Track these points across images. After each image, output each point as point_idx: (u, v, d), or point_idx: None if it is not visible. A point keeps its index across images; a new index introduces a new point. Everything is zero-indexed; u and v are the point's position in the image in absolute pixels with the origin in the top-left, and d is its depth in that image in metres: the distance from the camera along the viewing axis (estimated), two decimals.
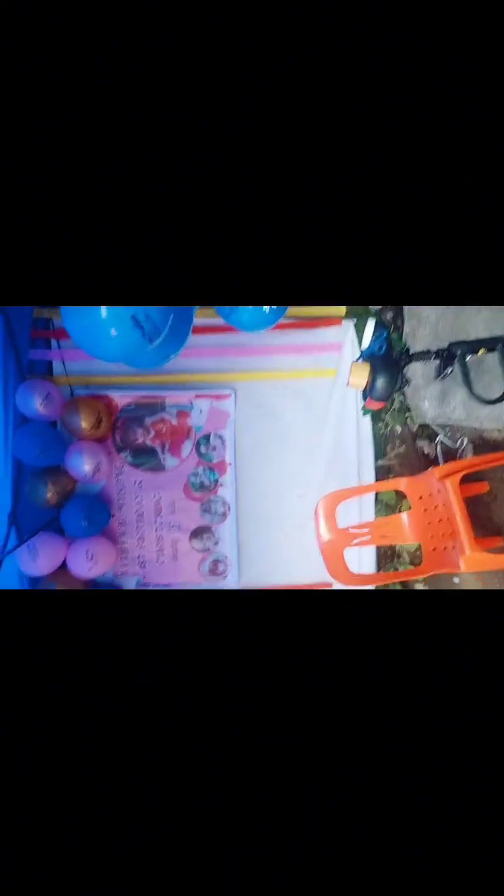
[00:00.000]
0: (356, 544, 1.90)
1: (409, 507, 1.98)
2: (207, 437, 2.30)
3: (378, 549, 2.36)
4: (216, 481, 2.32)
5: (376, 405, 1.73)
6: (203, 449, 2.30)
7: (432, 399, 2.04)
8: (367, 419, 2.33)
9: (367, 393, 1.68)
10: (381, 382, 1.61)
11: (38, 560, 2.00)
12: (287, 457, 2.34)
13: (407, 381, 1.81)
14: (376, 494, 2.31)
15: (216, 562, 2.35)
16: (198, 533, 2.33)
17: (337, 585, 2.38)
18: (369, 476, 2.33)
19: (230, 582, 2.36)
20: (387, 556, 2.38)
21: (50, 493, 2.04)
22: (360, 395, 2.30)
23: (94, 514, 2.10)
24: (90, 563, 2.07)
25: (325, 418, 2.34)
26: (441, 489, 1.64)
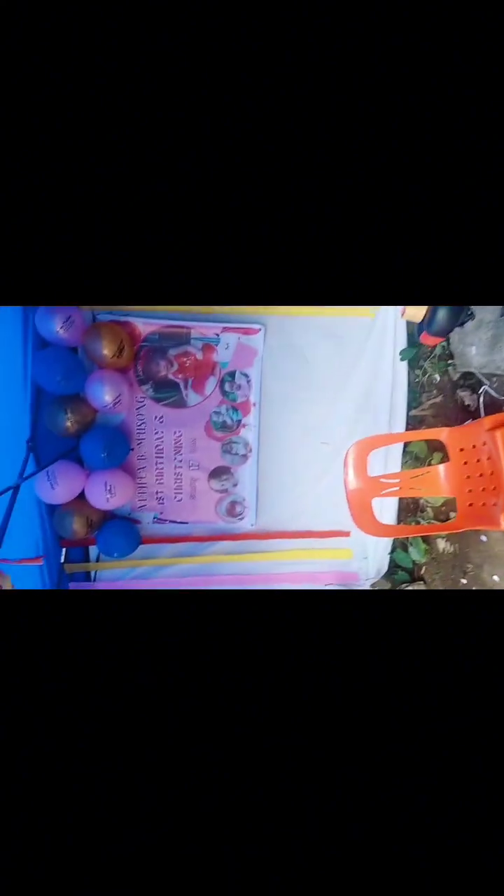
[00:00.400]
0: (384, 494, 1.83)
1: (441, 461, 1.88)
2: (232, 375, 2.19)
3: (400, 501, 2.30)
4: (239, 421, 2.24)
5: (433, 341, 1.58)
6: (227, 387, 2.20)
7: (481, 345, 1.88)
8: (404, 365, 2.19)
9: (423, 327, 1.53)
10: (442, 314, 1.44)
11: (57, 489, 1.98)
12: (314, 401, 2.24)
13: (471, 315, 1.64)
14: (405, 445, 2.21)
15: (234, 503, 2.32)
16: (217, 473, 2.28)
17: (355, 534, 2.37)
18: (400, 426, 2.22)
19: (246, 524, 2.34)
20: (408, 510, 2.33)
21: (69, 422, 1.99)
22: (397, 341, 2.17)
23: (114, 446, 2.05)
24: (108, 494, 2.05)
25: (358, 362, 2.21)
26: (489, 441, 1.54)
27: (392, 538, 2.33)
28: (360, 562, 2.39)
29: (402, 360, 2.16)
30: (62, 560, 2.26)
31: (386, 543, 2.38)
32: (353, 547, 2.39)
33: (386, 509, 2.24)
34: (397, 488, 1.87)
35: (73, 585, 2.32)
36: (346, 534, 2.37)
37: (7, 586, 1.19)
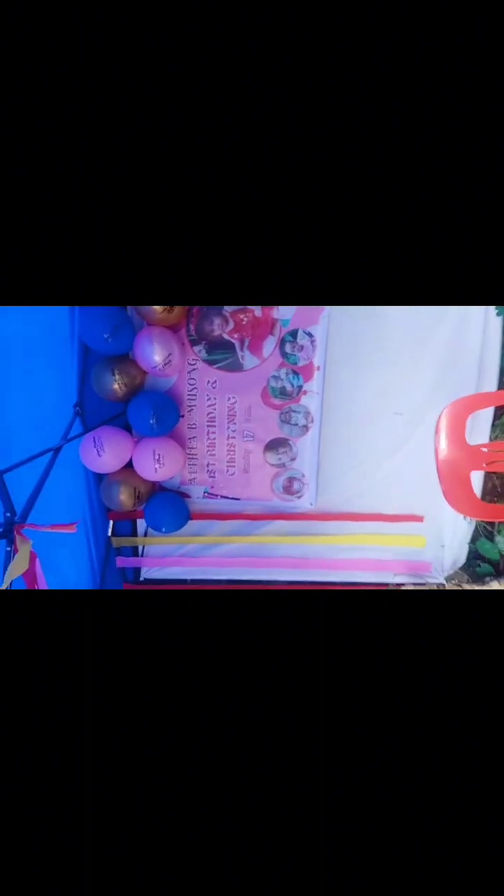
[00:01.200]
0: (488, 467, 1.53)
1: None
2: (294, 334, 1.95)
3: (486, 482, 1.99)
4: (300, 388, 2.00)
5: None
6: (288, 348, 1.96)
7: None
8: (499, 322, 1.86)
9: None
10: None
11: (104, 456, 1.85)
12: (388, 364, 1.96)
13: None
14: (496, 416, 1.88)
15: (291, 479, 2.10)
16: (273, 445, 2.07)
17: (430, 519, 2.08)
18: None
19: (304, 503, 2.12)
20: (494, 492, 2.00)
21: (117, 385, 1.84)
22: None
23: (164, 412, 1.89)
24: (157, 464, 1.90)
25: (441, 320, 1.90)
26: None
27: (474, 524, 2.02)
28: (435, 551, 2.10)
29: (497, 315, 1.83)
30: (109, 533, 2.15)
31: (466, 531, 2.08)
32: (428, 533, 2.11)
33: None
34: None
35: (119, 560, 2.22)
36: (420, 519, 2.09)
37: (25, 554, 1.07)
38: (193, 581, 2.27)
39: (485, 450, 1.50)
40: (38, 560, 1.11)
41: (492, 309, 1.84)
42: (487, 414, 1.89)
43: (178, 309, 1.82)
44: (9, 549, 1.07)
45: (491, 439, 1.88)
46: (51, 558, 2.03)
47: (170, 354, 1.82)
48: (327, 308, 1.91)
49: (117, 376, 1.83)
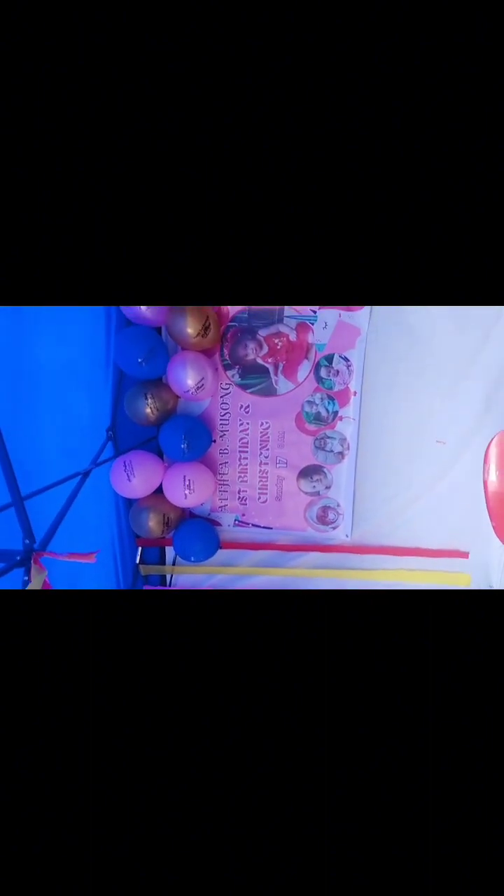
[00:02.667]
0: None
1: None
2: (330, 359, 1.89)
3: None
4: (336, 413, 1.93)
5: None
6: (323, 373, 1.91)
7: None
8: None
9: None
10: None
11: (134, 480, 1.82)
12: (428, 390, 1.87)
13: None
14: None
15: (326, 509, 2.01)
16: (308, 473, 1.99)
17: (475, 558, 1.93)
18: None
19: (340, 534, 2.01)
20: None
21: (149, 409, 1.82)
22: None
23: (195, 437, 1.85)
24: (187, 490, 1.85)
25: (486, 344, 1.80)
26: None
27: None
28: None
29: None
30: (137, 560, 2.10)
31: None
32: (473, 571, 1.95)
33: None
34: None
35: (147, 589, 2.15)
36: (465, 555, 1.94)
37: (38, 585, 1.03)
38: None
39: None
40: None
41: None
42: None
43: (212, 333, 1.81)
44: (25, 578, 1.03)
45: None
46: (75, 583, 2.00)
47: (203, 378, 1.79)
48: (364, 331, 1.86)
49: (150, 400, 1.82)
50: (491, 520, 1.39)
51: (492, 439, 1.40)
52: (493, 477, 1.35)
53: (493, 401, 1.82)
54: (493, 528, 1.39)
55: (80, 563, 1.16)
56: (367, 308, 1.83)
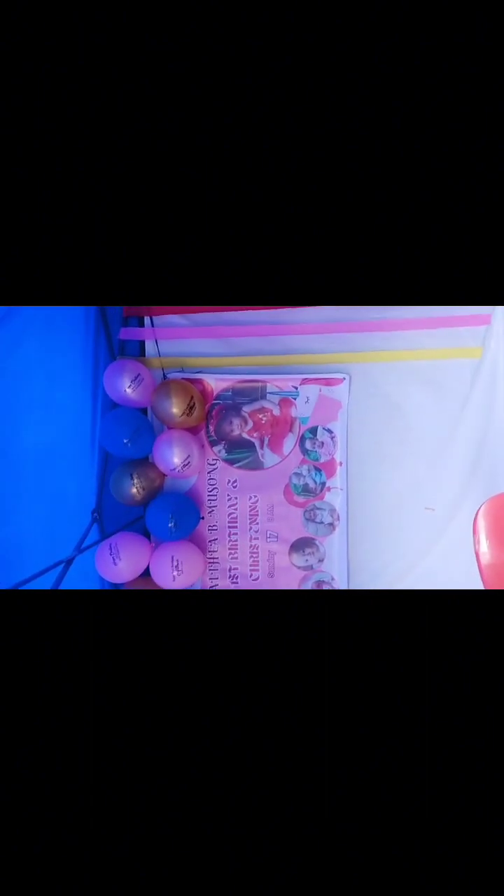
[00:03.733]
0: None
1: None
2: (314, 431, 1.93)
3: None
4: (323, 484, 1.93)
5: None
6: (308, 445, 1.93)
7: None
8: None
9: None
10: None
11: (119, 564, 1.76)
12: (413, 458, 1.89)
13: None
14: None
15: (320, 583, 1.94)
16: (299, 546, 1.95)
17: None
18: None
19: None
20: None
21: (135, 489, 1.80)
22: None
23: (183, 515, 1.82)
24: (176, 571, 1.79)
25: (464, 410, 1.86)
26: None
27: None
28: None
29: None
30: None
31: None
32: None
33: None
34: None
35: None
36: None
37: None
38: None
39: None
40: None
41: None
42: None
43: (197, 412, 1.84)
44: None
45: None
46: None
47: (189, 456, 1.80)
48: (345, 404, 1.91)
49: (135, 480, 1.80)
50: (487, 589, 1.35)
51: (478, 510, 1.39)
52: (484, 548, 1.33)
53: (478, 465, 1.84)
54: None
55: None
56: (345, 382, 1.89)
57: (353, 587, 1.92)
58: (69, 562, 1.40)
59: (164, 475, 1.89)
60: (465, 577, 1.82)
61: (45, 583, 1.31)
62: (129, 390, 1.78)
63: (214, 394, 1.94)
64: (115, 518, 1.93)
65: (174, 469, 1.80)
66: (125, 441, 1.76)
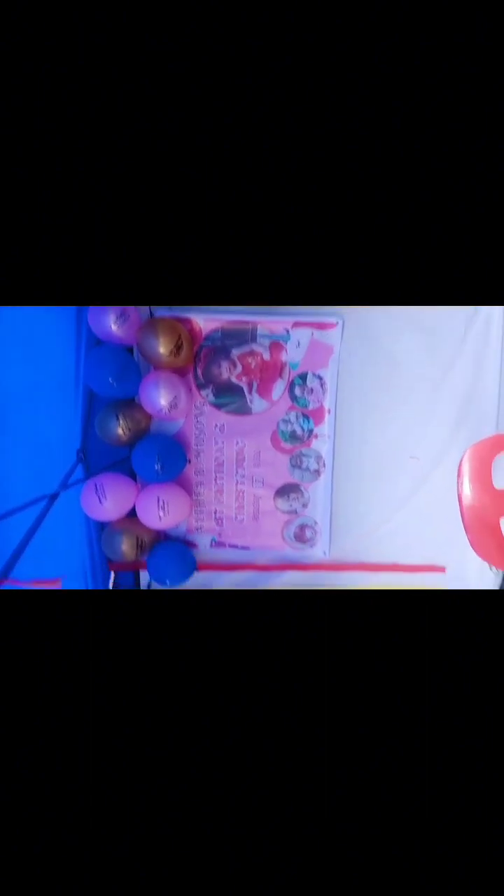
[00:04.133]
0: None
1: None
2: (304, 377, 1.90)
3: None
4: (311, 431, 1.93)
5: None
6: (298, 391, 1.91)
7: None
8: None
9: None
10: None
11: (105, 503, 1.77)
12: (401, 407, 1.89)
13: None
14: None
15: (303, 527, 1.99)
16: (284, 491, 1.97)
17: (452, 572, 1.94)
18: None
19: (318, 552, 2.00)
20: None
21: (121, 429, 1.78)
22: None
23: (169, 457, 1.82)
24: (161, 512, 1.81)
25: (456, 360, 1.85)
26: None
27: (501, 575, 1.88)
28: None
29: None
30: (110, 585, 2.03)
31: (494, 583, 1.93)
32: (451, 586, 1.95)
33: None
34: None
35: None
36: (441, 569, 1.95)
37: None
38: None
39: None
40: None
41: None
42: None
43: (184, 352, 1.79)
44: None
45: None
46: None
47: (176, 398, 1.77)
48: (336, 350, 1.87)
49: (122, 420, 1.78)
50: (467, 533, 1.40)
51: (464, 453, 1.41)
52: (466, 491, 1.36)
53: (464, 416, 1.86)
54: (469, 541, 1.40)
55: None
56: (339, 327, 1.85)
57: (335, 531, 1.97)
58: (53, 497, 1.40)
59: (151, 416, 1.87)
60: (443, 525, 1.88)
61: (28, 518, 1.30)
62: (114, 327, 1.71)
63: (203, 334, 1.89)
64: (99, 459, 1.91)
65: (161, 410, 1.77)
66: (110, 381, 1.72)
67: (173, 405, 1.77)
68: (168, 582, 1.92)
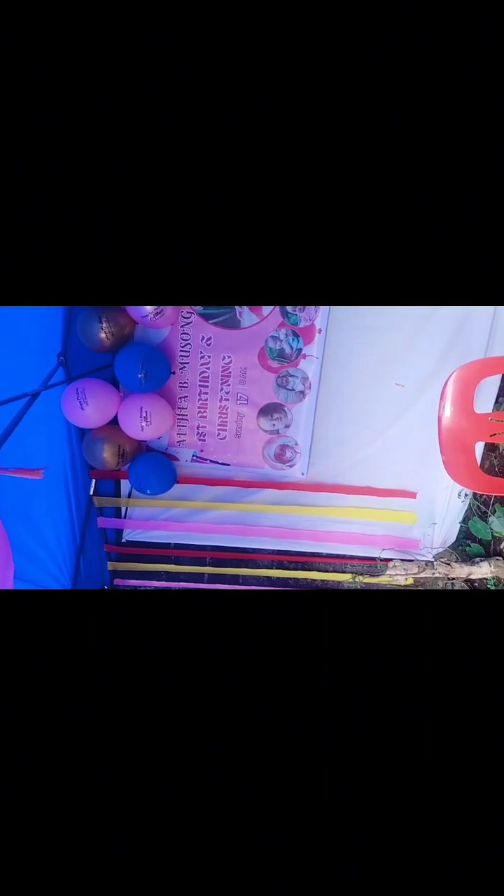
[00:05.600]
0: (493, 439, 1.46)
1: None
2: None
3: (482, 462, 1.93)
4: (299, 351, 1.89)
5: None
6: (290, 307, 1.85)
7: None
8: None
9: None
10: None
11: (87, 409, 1.75)
12: (392, 332, 1.86)
13: None
14: (500, 392, 1.81)
15: (284, 447, 2.02)
16: (268, 411, 1.98)
17: (423, 496, 2.03)
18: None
19: (296, 472, 2.04)
20: (492, 472, 1.94)
21: (104, 333, 1.72)
22: None
23: (153, 366, 1.78)
24: (144, 422, 1.80)
25: None
26: None
27: (467, 503, 1.97)
28: (426, 528, 2.06)
29: None
30: (91, 492, 2.07)
31: (459, 510, 2.04)
32: (419, 510, 2.06)
33: None
34: None
35: (101, 521, 2.14)
36: (412, 495, 2.04)
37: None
38: (177, 545, 2.21)
39: (490, 419, 1.42)
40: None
41: None
42: (493, 382, 1.81)
43: None
44: None
45: (494, 409, 1.81)
46: (28, 514, 1.94)
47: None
48: None
49: (104, 324, 1.71)
50: (442, 454, 1.44)
51: (450, 375, 1.42)
52: (447, 412, 1.38)
53: (453, 345, 1.84)
54: (444, 462, 1.44)
55: (35, 489, 1.12)
56: None
57: (314, 454, 2.01)
58: (34, 395, 1.37)
59: (136, 322, 1.80)
60: (419, 453, 1.94)
61: (7, 415, 1.28)
62: None
63: None
64: (81, 365, 1.86)
65: (146, 316, 1.70)
66: None
67: (160, 311, 1.70)
68: (148, 492, 1.96)
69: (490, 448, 1.88)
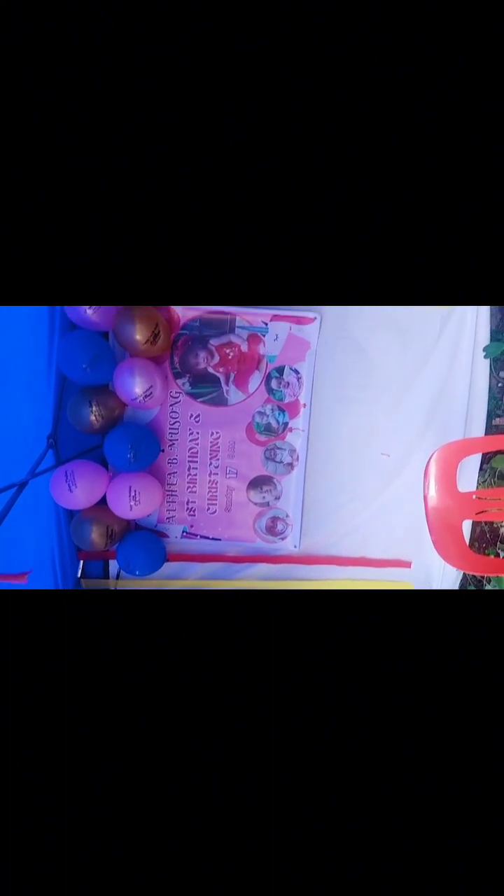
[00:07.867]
0: (479, 517, 1.47)
1: None
2: (281, 371, 1.91)
3: (474, 528, 1.92)
4: (286, 425, 1.94)
5: None
6: (274, 384, 1.92)
7: None
8: (485, 366, 1.85)
9: None
10: None
11: (76, 491, 1.74)
12: (374, 404, 1.92)
13: None
14: (483, 461, 1.85)
15: (275, 519, 2.01)
16: (257, 483, 1.99)
17: (418, 565, 2.00)
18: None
19: (288, 545, 2.02)
20: (483, 539, 1.94)
21: (94, 416, 1.75)
22: (478, 336, 1.84)
23: (142, 446, 1.80)
24: (133, 501, 1.79)
25: (428, 360, 1.89)
26: None
27: (463, 573, 1.94)
28: None
29: (485, 357, 1.82)
30: (79, 574, 2.00)
31: (454, 579, 2.00)
32: (415, 580, 2.01)
33: None
34: (497, 509, 1.49)
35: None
36: (407, 564, 2.01)
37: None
38: None
39: (475, 497, 1.44)
40: None
41: (479, 351, 1.84)
42: (475, 459, 1.86)
43: (161, 341, 1.77)
44: None
45: (478, 486, 1.84)
46: None
47: (151, 387, 1.75)
48: (313, 345, 1.89)
49: (95, 408, 1.75)
50: (430, 534, 1.44)
51: (431, 456, 1.45)
52: (432, 493, 1.40)
53: (433, 415, 1.90)
54: (433, 542, 1.44)
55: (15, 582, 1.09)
56: (316, 322, 1.86)
57: (306, 525, 2.00)
58: (22, 485, 1.36)
59: (125, 404, 1.84)
60: (410, 521, 1.93)
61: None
62: (90, 312, 1.67)
63: (181, 323, 1.87)
64: (71, 445, 1.88)
65: (135, 399, 1.75)
66: (84, 367, 1.68)
67: (148, 394, 1.75)
68: (137, 572, 1.91)
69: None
